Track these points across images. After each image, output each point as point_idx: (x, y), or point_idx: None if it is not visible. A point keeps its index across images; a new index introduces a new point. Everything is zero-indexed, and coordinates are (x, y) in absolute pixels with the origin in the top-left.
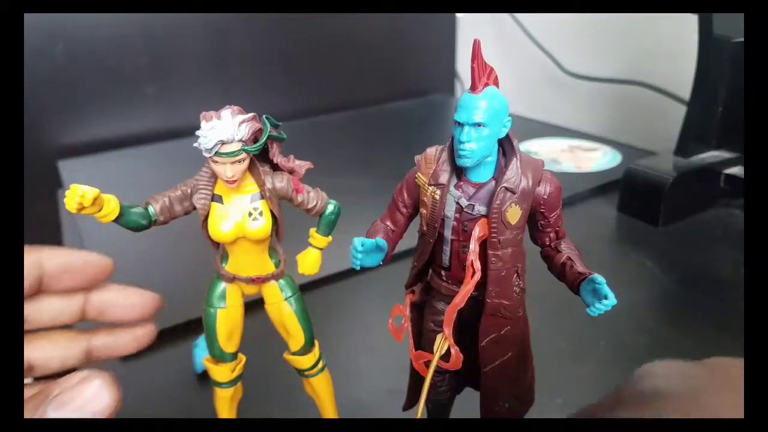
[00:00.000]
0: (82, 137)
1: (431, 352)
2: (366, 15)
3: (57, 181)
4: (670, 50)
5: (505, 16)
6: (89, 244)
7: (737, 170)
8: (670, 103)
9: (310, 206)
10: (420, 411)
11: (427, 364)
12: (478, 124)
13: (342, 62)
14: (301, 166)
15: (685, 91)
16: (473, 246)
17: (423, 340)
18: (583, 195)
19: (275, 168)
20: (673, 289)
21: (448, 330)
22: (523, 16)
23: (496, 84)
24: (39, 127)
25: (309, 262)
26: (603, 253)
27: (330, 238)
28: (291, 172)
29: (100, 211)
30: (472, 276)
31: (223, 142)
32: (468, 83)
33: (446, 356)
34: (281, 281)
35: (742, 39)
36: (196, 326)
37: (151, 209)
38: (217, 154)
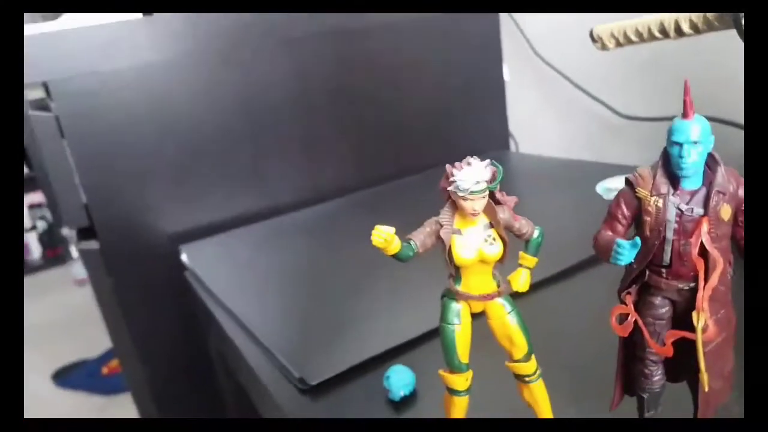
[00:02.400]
0: (193, 223)
1: (647, 347)
2: (420, 84)
3: (181, 265)
4: (720, 80)
5: (550, 71)
6: (222, 319)
7: None
8: (736, 132)
9: (524, 231)
10: (706, 381)
11: (680, 342)
12: (695, 142)
13: (406, 135)
14: (511, 200)
15: (739, 116)
16: (705, 238)
17: (637, 336)
18: None
19: (496, 203)
20: None
21: (706, 304)
22: (567, 68)
23: None
24: (160, 216)
25: (522, 281)
26: None
27: (537, 259)
28: (505, 204)
29: (392, 245)
30: (708, 266)
31: (477, 182)
32: (521, 140)
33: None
34: (503, 298)
35: None
36: (374, 363)
37: (413, 243)
38: (471, 192)
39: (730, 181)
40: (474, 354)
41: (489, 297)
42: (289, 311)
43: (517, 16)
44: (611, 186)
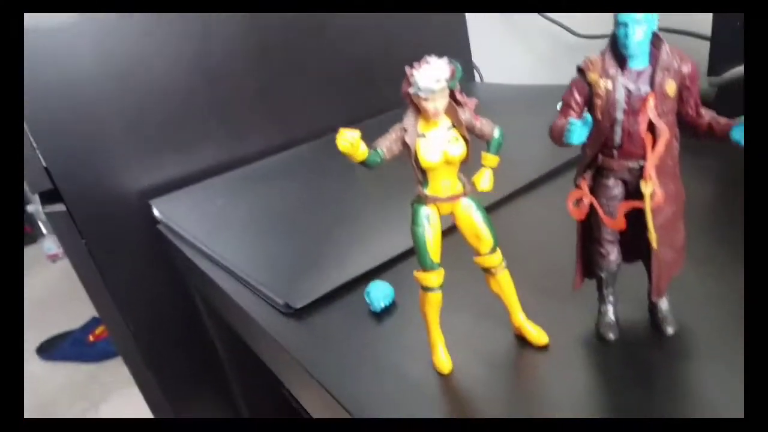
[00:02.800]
0: (161, 177)
1: (603, 228)
2: (381, 22)
3: (153, 219)
4: None
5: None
6: (202, 264)
7: None
8: (691, 41)
9: (485, 131)
10: (654, 240)
11: (632, 223)
12: (639, 21)
13: (368, 74)
14: (472, 101)
15: (704, 27)
16: (651, 113)
17: (593, 218)
18: None
19: (457, 104)
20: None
21: (652, 171)
22: None
23: None
24: (125, 173)
25: (485, 181)
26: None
27: (498, 158)
28: (465, 105)
29: (359, 151)
30: (656, 136)
31: (437, 80)
32: (484, 71)
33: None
34: (468, 198)
35: None
36: (354, 285)
37: (380, 150)
38: (431, 92)
39: (674, 58)
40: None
41: (455, 198)
42: (268, 247)
43: None
44: None
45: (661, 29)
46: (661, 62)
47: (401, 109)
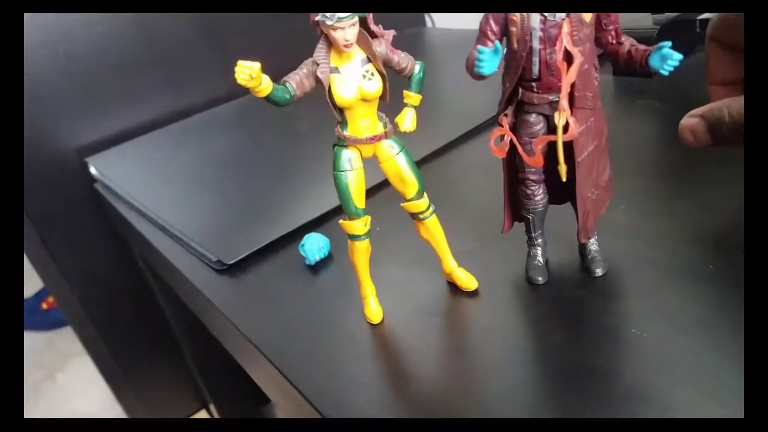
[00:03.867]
0: (100, 134)
1: (527, 165)
2: None
3: (90, 177)
4: None
5: None
6: (137, 223)
7: (708, 14)
8: None
9: (403, 65)
10: (563, 172)
11: (550, 163)
12: None
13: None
14: (389, 33)
15: None
16: (566, 40)
17: (517, 158)
18: None
19: (372, 36)
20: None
21: (565, 102)
22: None
23: None
24: (57, 129)
25: (408, 120)
26: (616, 108)
27: (420, 96)
28: (381, 37)
29: (260, 85)
30: (571, 62)
31: None
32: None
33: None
34: (390, 140)
35: None
36: (288, 238)
37: (289, 86)
38: (338, 20)
39: None
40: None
41: (377, 138)
42: (204, 203)
43: None
44: None
45: None
46: None
47: None
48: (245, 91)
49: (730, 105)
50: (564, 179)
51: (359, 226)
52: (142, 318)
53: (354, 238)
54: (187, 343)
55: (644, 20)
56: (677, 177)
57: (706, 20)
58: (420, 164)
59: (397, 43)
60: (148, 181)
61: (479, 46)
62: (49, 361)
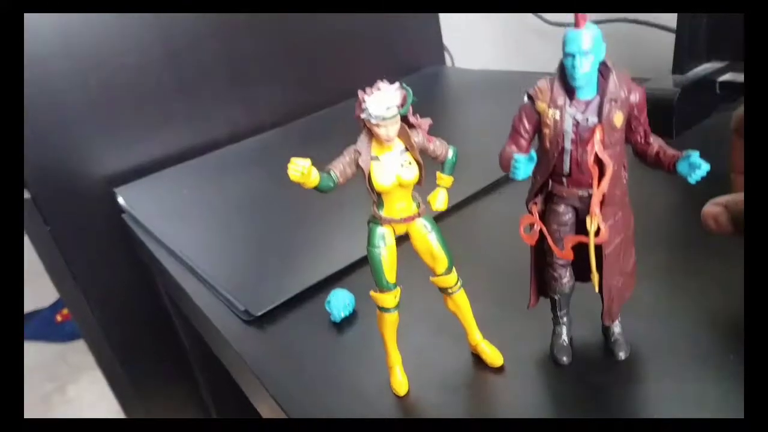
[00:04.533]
0: (127, 164)
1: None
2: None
3: (118, 208)
4: None
5: None
6: (164, 260)
7: (729, 77)
8: (655, 32)
9: (438, 153)
10: (596, 283)
11: (585, 247)
12: (587, 52)
13: (339, 56)
14: (425, 122)
15: (667, 18)
16: (597, 147)
17: (545, 244)
18: None
19: (410, 126)
20: (700, 186)
21: (597, 208)
22: None
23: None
24: (90, 159)
25: (440, 200)
26: (634, 165)
27: (453, 178)
28: (418, 127)
29: (311, 178)
30: (602, 171)
31: (388, 108)
32: (455, 54)
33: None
34: (423, 218)
35: None
36: (315, 291)
37: (333, 174)
38: (382, 119)
39: (622, 88)
40: (404, 274)
41: (410, 219)
42: (230, 245)
43: None
44: None
45: (627, 20)
46: (609, 93)
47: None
48: (271, 125)
49: None
50: (597, 290)
51: (390, 299)
52: (159, 341)
53: (384, 310)
54: (203, 374)
55: (665, 80)
56: (695, 251)
57: (727, 83)
58: (439, 219)
59: (419, 81)
60: (176, 218)
61: (515, 155)
62: (60, 374)
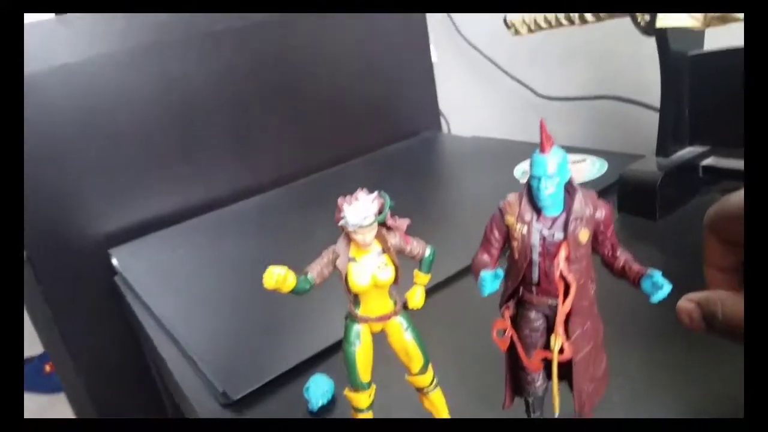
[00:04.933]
0: (124, 223)
1: (528, 354)
2: (353, 71)
3: (112, 269)
4: (632, 63)
5: (476, 54)
6: (150, 328)
7: (711, 161)
8: (639, 110)
9: (415, 253)
10: (556, 405)
11: (544, 360)
12: (552, 176)
13: (338, 119)
14: (403, 223)
15: (651, 98)
16: (562, 264)
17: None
18: None
19: (388, 229)
20: (680, 271)
21: (561, 329)
22: (491, 51)
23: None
24: (87, 219)
25: (417, 298)
26: None
27: (430, 276)
28: (395, 229)
29: (287, 284)
30: (567, 288)
31: (364, 217)
32: (452, 119)
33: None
34: (399, 317)
35: (697, 52)
36: (296, 373)
37: (309, 276)
38: (360, 227)
39: (588, 206)
40: (381, 368)
41: (386, 317)
42: (217, 315)
43: None
44: (527, 169)
45: (612, 98)
46: (575, 212)
47: (373, 153)
48: (271, 184)
49: (725, 302)
50: (556, 413)
51: (364, 398)
52: (143, 406)
53: (358, 410)
54: None
55: (649, 163)
56: (675, 344)
57: (710, 167)
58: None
59: (415, 147)
60: (166, 282)
61: (482, 272)
62: None
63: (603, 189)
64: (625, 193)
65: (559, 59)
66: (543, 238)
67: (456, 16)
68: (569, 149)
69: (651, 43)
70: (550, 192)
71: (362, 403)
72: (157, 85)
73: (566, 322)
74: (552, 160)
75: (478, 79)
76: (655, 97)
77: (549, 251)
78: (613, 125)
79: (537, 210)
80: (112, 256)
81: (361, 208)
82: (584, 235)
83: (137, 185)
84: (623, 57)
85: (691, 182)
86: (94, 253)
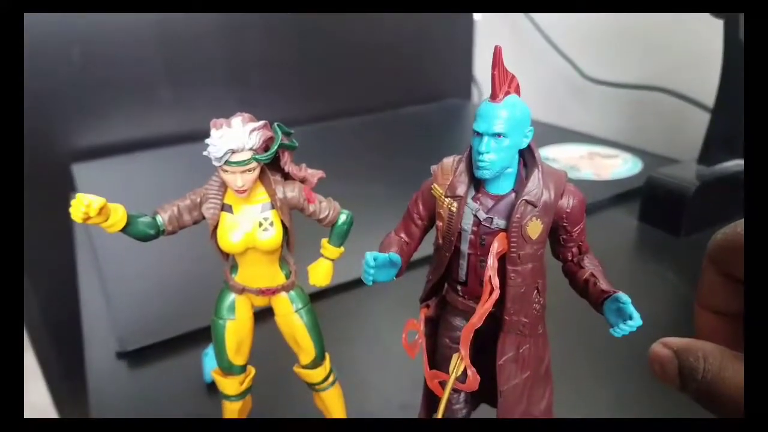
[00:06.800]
0: (97, 141)
1: (446, 369)
2: (382, 17)
3: (71, 185)
4: (691, 56)
5: (523, 20)
6: (101, 249)
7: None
8: (691, 109)
9: (321, 216)
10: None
11: (443, 383)
12: (498, 134)
13: (357, 66)
14: (313, 174)
15: (707, 97)
16: (491, 261)
17: (438, 356)
18: (602, 203)
19: (287, 177)
20: (687, 304)
21: (464, 350)
22: (542, 20)
23: (518, 92)
24: (54, 130)
25: (321, 273)
26: (622, 264)
27: (342, 249)
28: (303, 181)
29: (106, 220)
30: (491, 294)
31: (233, 151)
32: (486, 88)
33: (462, 376)
34: (292, 293)
35: None
36: (206, 335)
37: (159, 219)
38: (227, 163)
39: (547, 188)
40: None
41: (270, 292)
42: (147, 262)
43: None
44: (550, 156)
45: (662, 90)
46: (527, 193)
47: (380, 113)
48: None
49: (710, 357)
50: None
51: (232, 385)
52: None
53: (225, 398)
54: None
55: (687, 169)
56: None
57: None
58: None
59: (437, 113)
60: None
61: (367, 254)
62: None
63: (627, 191)
64: (650, 199)
65: (612, 42)
66: (478, 223)
67: None
68: (605, 141)
69: (715, 37)
70: (492, 158)
71: (229, 389)
72: (148, 18)
73: (495, 339)
74: (503, 113)
75: (522, 48)
76: (710, 96)
77: (483, 242)
78: (658, 121)
79: (476, 183)
80: (74, 171)
81: (230, 138)
82: (535, 229)
83: (113, 103)
84: (681, 49)
85: (732, 200)
86: (57, 167)
